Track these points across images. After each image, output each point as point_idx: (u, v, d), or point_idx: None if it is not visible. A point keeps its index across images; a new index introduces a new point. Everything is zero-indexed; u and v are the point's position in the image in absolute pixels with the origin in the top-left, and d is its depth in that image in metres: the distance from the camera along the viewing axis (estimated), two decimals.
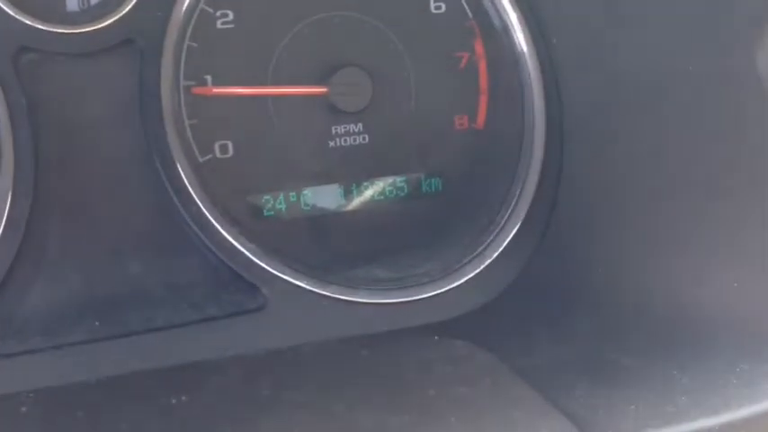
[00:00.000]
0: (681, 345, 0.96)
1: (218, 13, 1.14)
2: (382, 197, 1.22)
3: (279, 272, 1.10)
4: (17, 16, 1.04)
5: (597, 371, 0.93)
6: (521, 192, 1.20)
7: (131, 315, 1.07)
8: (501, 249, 1.18)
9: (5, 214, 1.04)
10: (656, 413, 0.85)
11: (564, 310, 1.08)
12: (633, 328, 1.01)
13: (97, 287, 1.09)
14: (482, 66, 1.23)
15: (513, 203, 1.20)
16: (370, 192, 1.22)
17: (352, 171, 1.20)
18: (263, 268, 1.10)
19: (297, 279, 1.11)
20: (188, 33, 1.12)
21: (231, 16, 1.14)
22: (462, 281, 1.17)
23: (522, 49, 1.21)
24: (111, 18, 1.07)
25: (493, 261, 1.18)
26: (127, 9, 1.07)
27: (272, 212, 1.18)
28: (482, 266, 1.18)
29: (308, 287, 1.11)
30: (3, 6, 1.04)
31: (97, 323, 1.06)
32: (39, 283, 1.08)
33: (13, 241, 1.05)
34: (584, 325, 1.04)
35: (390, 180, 1.23)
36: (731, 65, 0.97)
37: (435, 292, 1.15)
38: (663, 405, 0.86)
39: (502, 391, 0.89)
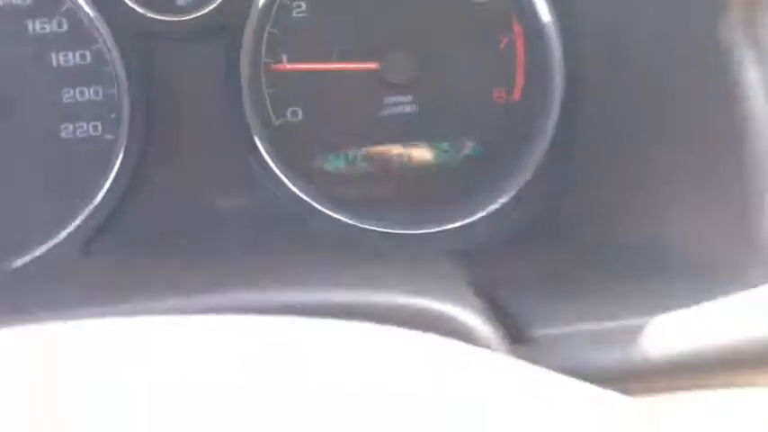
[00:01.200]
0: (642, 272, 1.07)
1: (294, 5, 1.40)
2: (428, 158, 1.42)
3: (325, 208, 1.34)
4: (138, 9, 1.35)
5: (558, 285, 1.07)
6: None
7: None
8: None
9: (119, 162, 1.35)
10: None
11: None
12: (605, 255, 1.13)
13: (183, 220, 1.38)
14: (519, 45, 1.41)
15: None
16: (418, 153, 1.42)
17: (401, 135, 1.41)
18: (312, 206, 1.34)
19: (338, 214, 1.34)
20: (269, 21, 1.39)
21: (304, 7, 1.40)
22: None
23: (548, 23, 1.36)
24: (207, 8, 1.36)
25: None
26: (219, 1, 1.36)
27: (333, 169, 1.41)
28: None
29: (346, 220, 1.33)
30: (128, 3, 1.35)
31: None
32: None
33: (122, 182, 1.36)
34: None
35: (435, 144, 1.42)
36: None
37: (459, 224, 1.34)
38: (602, 309, 0.97)
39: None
